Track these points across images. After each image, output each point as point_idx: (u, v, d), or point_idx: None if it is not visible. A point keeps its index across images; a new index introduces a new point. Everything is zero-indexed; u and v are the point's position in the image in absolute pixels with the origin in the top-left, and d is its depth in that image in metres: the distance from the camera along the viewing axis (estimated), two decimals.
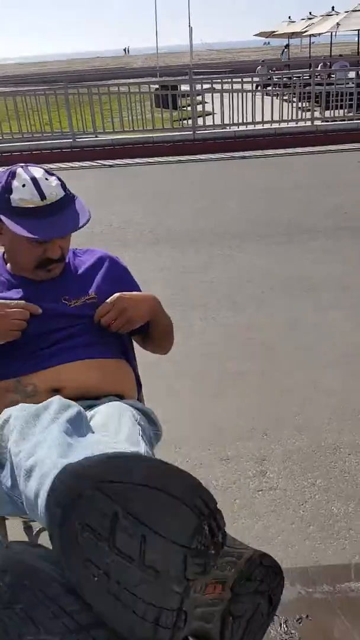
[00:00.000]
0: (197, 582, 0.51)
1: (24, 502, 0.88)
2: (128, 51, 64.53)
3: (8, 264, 1.47)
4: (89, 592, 0.44)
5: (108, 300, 1.39)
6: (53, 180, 1.36)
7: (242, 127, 9.78)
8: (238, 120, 9.76)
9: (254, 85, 11.27)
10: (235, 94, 9.77)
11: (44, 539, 1.89)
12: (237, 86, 9.92)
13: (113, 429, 1.07)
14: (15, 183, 1.33)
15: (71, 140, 9.53)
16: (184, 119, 10.71)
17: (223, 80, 10.26)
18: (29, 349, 1.33)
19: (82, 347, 1.36)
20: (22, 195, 1.31)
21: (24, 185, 1.32)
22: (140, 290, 1.55)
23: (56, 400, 1.02)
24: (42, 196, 1.31)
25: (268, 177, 7.57)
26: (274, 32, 24.37)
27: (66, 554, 0.44)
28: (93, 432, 1.04)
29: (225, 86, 9.86)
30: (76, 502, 0.45)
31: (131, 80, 12.12)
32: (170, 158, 8.90)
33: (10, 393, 1.30)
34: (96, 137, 9.80)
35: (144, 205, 6.24)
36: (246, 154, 8.86)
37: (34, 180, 1.32)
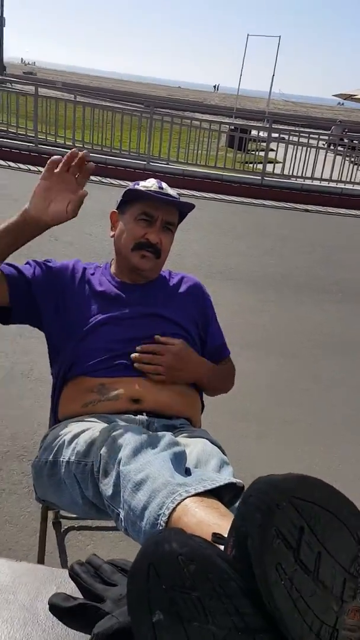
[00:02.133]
0: (346, 604, 0.56)
1: (125, 511, 0.94)
2: (217, 89, 66.46)
3: (112, 268, 1.58)
4: (276, 594, 0.49)
5: (170, 346, 1.43)
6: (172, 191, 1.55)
7: (307, 181, 9.92)
8: (305, 174, 9.92)
9: (327, 143, 11.45)
10: (306, 148, 9.96)
11: (71, 538, 1.93)
12: (305, 140, 10.11)
13: (206, 465, 1.13)
14: (142, 182, 1.53)
15: (145, 162, 9.80)
16: (251, 163, 10.93)
17: (300, 134, 10.49)
18: (115, 351, 1.41)
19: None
20: (145, 183, 1.51)
21: (148, 182, 1.52)
22: (216, 324, 1.65)
23: (168, 435, 1.08)
24: (161, 187, 1.51)
25: (330, 234, 7.65)
26: (353, 95, 24.80)
27: (260, 555, 0.49)
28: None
29: (295, 138, 10.08)
30: (274, 510, 0.51)
31: (210, 118, 12.43)
32: (235, 198, 9.08)
33: (93, 393, 1.37)
34: (168, 164, 10.06)
35: (204, 237, 6.36)
36: (310, 207, 8.98)
37: (159, 181, 1.53)
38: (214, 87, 69.22)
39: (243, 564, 0.52)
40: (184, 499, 0.85)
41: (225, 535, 0.64)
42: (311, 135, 10.41)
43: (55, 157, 1.20)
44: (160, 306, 1.51)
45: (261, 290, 4.99)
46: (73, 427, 1.27)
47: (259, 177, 9.83)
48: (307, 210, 8.84)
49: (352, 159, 10.76)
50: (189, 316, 1.55)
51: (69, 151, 1.20)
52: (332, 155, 10.04)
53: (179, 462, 1.02)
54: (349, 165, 10.27)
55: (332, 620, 0.53)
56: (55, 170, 1.18)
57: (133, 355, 1.39)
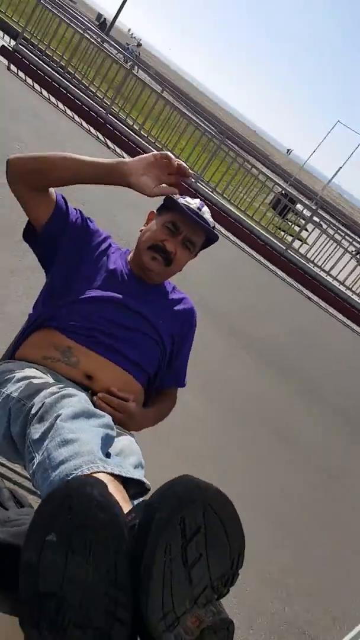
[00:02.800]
0: (195, 607, 0.64)
1: (43, 458, 0.99)
2: (289, 153, 68.07)
3: (129, 256, 1.66)
4: (156, 568, 0.57)
5: (125, 405, 1.44)
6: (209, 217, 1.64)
7: (323, 274, 10.17)
8: (324, 266, 10.18)
9: (356, 252, 11.78)
10: (336, 245, 10.25)
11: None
12: (339, 237, 10.42)
13: (126, 459, 1.20)
14: (188, 197, 1.63)
15: (194, 180, 9.98)
16: (284, 231, 11.17)
17: (337, 230, 10.81)
18: (96, 325, 1.46)
19: (130, 359, 1.49)
20: (189, 200, 1.60)
21: (193, 201, 1.61)
22: (187, 354, 1.72)
23: (108, 417, 1.15)
24: (200, 209, 1.60)
25: (337, 339, 7.85)
26: None
27: (161, 528, 0.58)
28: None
29: (331, 231, 10.37)
30: (189, 504, 0.59)
31: (269, 173, 12.72)
32: (254, 252, 9.29)
33: (57, 352, 1.42)
34: (212, 191, 10.26)
35: (209, 270, 6.46)
36: (322, 303, 9.21)
37: (202, 204, 1.62)
38: (287, 150, 70.78)
39: (140, 535, 0.60)
40: (98, 472, 0.93)
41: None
42: (346, 237, 10.73)
43: (171, 156, 1.34)
44: (150, 310, 1.58)
45: (237, 347, 5.12)
46: (28, 371, 1.32)
47: (284, 247, 10.07)
48: (319, 306, 9.05)
49: None
50: (169, 330, 1.62)
51: (183, 164, 1.36)
52: (354, 263, 10.32)
53: (107, 444, 1.09)
54: None
55: (180, 612, 0.61)
56: (164, 160, 1.33)
57: (99, 394, 1.41)
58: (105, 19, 31.58)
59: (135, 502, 0.99)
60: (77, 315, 1.47)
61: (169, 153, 1.34)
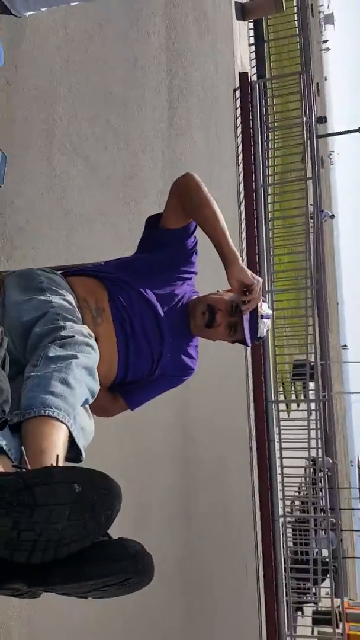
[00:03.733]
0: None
1: (42, 375, 1.11)
2: None
3: (195, 297, 1.81)
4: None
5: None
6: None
7: None
8: None
9: None
10: None
11: None
12: None
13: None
14: (265, 304, 1.76)
15: (268, 293, 10.28)
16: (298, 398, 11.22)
17: None
18: (131, 316, 1.62)
19: (128, 357, 1.64)
20: (265, 308, 1.75)
21: (267, 310, 1.75)
22: (159, 390, 1.83)
23: (98, 386, 1.27)
24: (268, 317, 1.76)
25: None
26: None
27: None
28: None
29: None
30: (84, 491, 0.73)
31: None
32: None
33: (93, 301, 1.57)
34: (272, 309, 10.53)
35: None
36: None
37: (269, 318, 1.78)
38: None
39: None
40: (66, 423, 1.05)
41: None
42: None
43: (253, 297, 1.63)
44: (170, 342, 1.72)
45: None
46: (72, 299, 1.45)
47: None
48: None
49: None
50: (166, 369, 1.75)
51: (252, 305, 1.65)
52: None
53: (84, 404, 1.21)
54: None
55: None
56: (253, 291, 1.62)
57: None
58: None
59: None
60: (126, 297, 1.63)
61: (255, 297, 1.61)
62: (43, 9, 2.38)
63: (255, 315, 1.70)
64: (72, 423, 1.04)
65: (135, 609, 3.39)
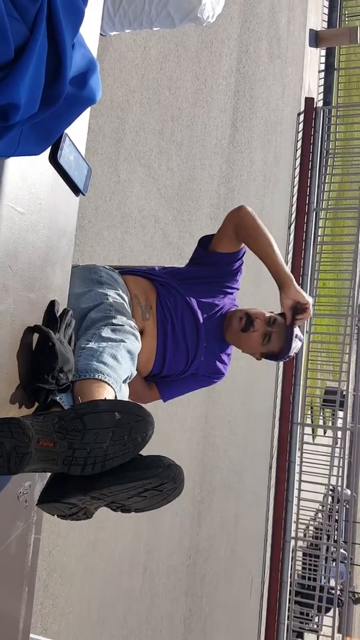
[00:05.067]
0: (54, 434, 0.92)
1: (95, 347, 1.30)
2: None
3: (233, 310, 1.98)
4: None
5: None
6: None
7: None
8: None
9: None
10: None
11: None
12: None
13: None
14: (299, 331, 1.91)
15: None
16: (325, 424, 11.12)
17: None
18: (174, 317, 1.82)
19: (165, 355, 1.83)
20: (297, 332, 1.89)
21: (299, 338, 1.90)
22: (186, 390, 2.01)
23: (138, 345, 1.45)
24: (298, 336, 1.88)
25: None
26: None
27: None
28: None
29: None
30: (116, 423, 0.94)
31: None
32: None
33: (144, 298, 1.78)
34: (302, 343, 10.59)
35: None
36: None
37: (300, 337, 1.91)
38: None
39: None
40: (114, 387, 1.24)
41: None
42: None
43: (305, 315, 1.77)
44: (206, 346, 1.90)
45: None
46: (124, 296, 1.65)
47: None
48: None
49: None
50: (198, 368, 1.94)
51: (300, 321, 1.80)
52: None
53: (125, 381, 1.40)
54: None
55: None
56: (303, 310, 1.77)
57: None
58: None
59: None
60: (172, 300, 1.83)
61: (308, 314, 1.75)
62: (127, 31, 2.62)
63: (291, 333, 1.85)
64: (118, 390, 1.23)
65: (141, 599, 3.57)
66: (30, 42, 0.76)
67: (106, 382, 1.20)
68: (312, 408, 11.63)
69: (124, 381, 1.34)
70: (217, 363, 1.99)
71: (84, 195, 1.23)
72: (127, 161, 3.02)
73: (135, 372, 1.44)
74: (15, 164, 0.98)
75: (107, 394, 1.18)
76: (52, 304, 1.13)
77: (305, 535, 10.94)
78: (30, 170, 1.03)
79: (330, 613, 9.22)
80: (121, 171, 2.98)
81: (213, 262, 1.92)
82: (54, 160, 1.10)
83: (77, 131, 1.20)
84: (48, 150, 1.05)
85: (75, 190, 1.21)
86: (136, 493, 0.91)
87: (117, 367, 1.27)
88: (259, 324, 1.86)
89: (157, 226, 3.52)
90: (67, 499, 0.93)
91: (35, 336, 1.08)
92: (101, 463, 0.89)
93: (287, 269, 1.80)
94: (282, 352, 1.88)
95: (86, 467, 0.89)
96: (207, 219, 4.38)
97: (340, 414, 12.73)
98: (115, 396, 1.23)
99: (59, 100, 0.86)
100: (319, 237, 9.59)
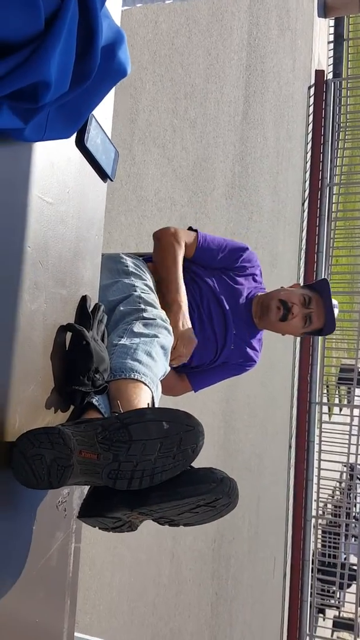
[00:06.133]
0: (94, 446, 0.85)
1: (129, 344, 1.23)
2: None
3: (261, 294, 1.90)
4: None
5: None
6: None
7: None
8: None
9: None
10: None
11: None
12: None
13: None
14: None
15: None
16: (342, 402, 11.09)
17: None
18: (199, 304, 1.76)
19: (197, 349, 1.75)
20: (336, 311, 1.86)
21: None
22: (216, 380, 1.95)
23: (171, 339, 1.38)
24: (336, 306, 1.86)
25: None
26: None
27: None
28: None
29: None
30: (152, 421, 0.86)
31: None
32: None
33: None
34: None
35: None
36: None
37: (335, 304, 1.87)
38: None
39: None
40: (150, 387, 1.17)
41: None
42: None
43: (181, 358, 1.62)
44: (234, 334, 1.83)
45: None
46: (152, 284, 1.57)
47: None
48: None
49: None
50: (229, 357, 1.87)
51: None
52: None
53: (159, 356, 1.33)
54: None
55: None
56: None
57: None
58: None
59: None
60: (197, 288, 1.76)
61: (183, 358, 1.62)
62: (138, 5, 2.50)
63: (330, 307, 1.80)
64: (155, 390, 1.16)
65: (170, 586, 3.55)
66: (62, 10, 0.67)
67: (143, 382, 1.13)
68: (327, 386, 11.54)
69: (160, 377, 1.28)
70: (248, 350, 1.91)
71: (111, 180, 1.14)
72: (141, 142, 2.92)
73: (169, 368, 1.37)
74: (42, 150, 0.89)
75: (144, 394, 1.11)
76: (84, 299, 1.05)
77: (324, 513, 10.96)
78: (57, 157, 0.95)
79: (352, 589, 9.24)
80: (136, 153, 2.88)
81: (207, 265, 1.84)
82: (80, 144, 1.02)
83: (102, 111, 1.11)
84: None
85: (103, 175, 1.12)
86: (188, 509, 0.84)
87: (152, 365, 1.19)
88: (297, 309, 1.80)
89: (173, 209, 3.42)
90: (112, 514, 0.86)
91: (69, 335, 1.01)
92: (149, 477, 0.82)
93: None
94: (327, 327, 1.85)
95: (133, 481, 0.82)
96: (222, 198, 4.27)
97: (358, 391, 12.66)
98: (153, 396, 1.16)
99: (91, 76, 0.77)
100: (332, 214, 9.41)
